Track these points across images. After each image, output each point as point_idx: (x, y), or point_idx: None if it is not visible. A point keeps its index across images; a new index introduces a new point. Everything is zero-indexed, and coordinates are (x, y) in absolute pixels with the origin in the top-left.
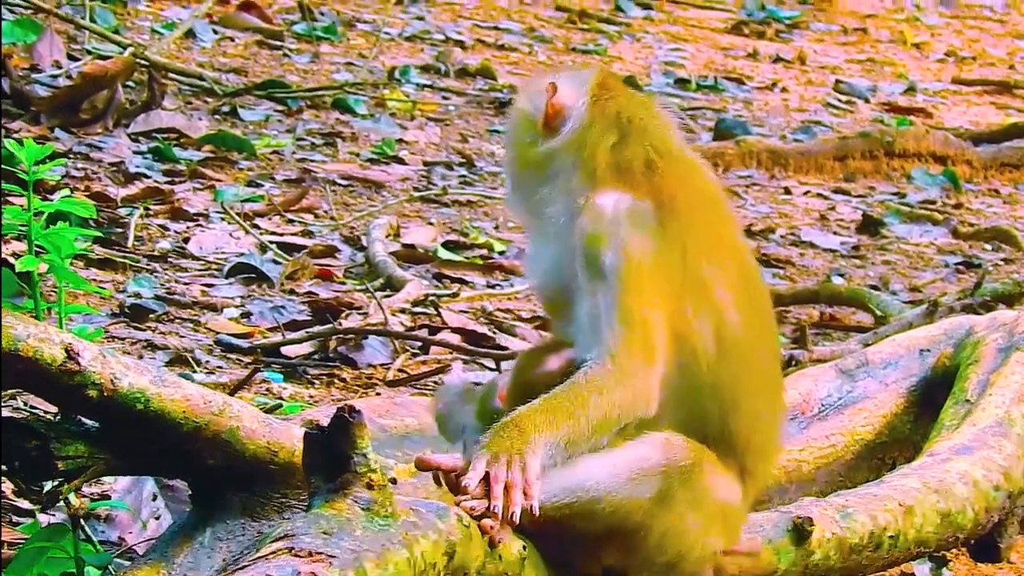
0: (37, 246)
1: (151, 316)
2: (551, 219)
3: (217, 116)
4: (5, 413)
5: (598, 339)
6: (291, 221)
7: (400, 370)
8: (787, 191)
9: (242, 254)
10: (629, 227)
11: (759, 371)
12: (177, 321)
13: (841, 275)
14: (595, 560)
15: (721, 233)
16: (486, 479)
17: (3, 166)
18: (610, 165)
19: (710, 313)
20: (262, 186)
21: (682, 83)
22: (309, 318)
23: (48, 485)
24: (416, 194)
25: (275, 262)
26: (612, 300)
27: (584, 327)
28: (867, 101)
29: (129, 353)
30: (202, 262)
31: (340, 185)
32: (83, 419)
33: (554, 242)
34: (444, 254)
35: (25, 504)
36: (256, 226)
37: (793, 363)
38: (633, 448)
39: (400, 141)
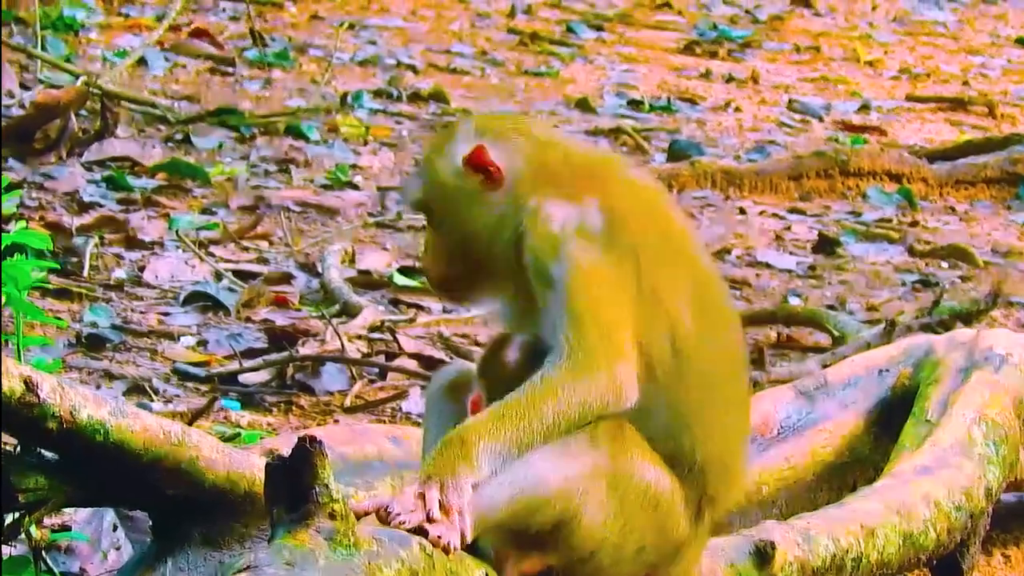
0: None
1: (108, 345)
2: (501, 260)
3: (170, 144)
4: None
5: (555, 342)
6: (246, 248)
7: (358, 396)
8: (742, 211)
9: (197, 282)
10: (574, 236)
11: (719, 386)
12: (134, 350)
13: (798, 295)
14: (539, 558)
15: (671, 242)
16: (422, 498)
17: None
18: (550, 190)
19: (663, 322)
20: (216, 214)
21: (635, 104)
22: (266, 345)
23: (9, 517)
24: (371, 220)
25: (231, 290)
26: (564, 303)
27: (547, 338)
28: (821, 120)
29: (87, 383)
30: (158, 291)
31: (294, 211)
32: (43, 451)
33: (510, 282)
34: (400, 279)
35: None
36: (211, 254)
37: (751, 385)
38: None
39: (354, 166)
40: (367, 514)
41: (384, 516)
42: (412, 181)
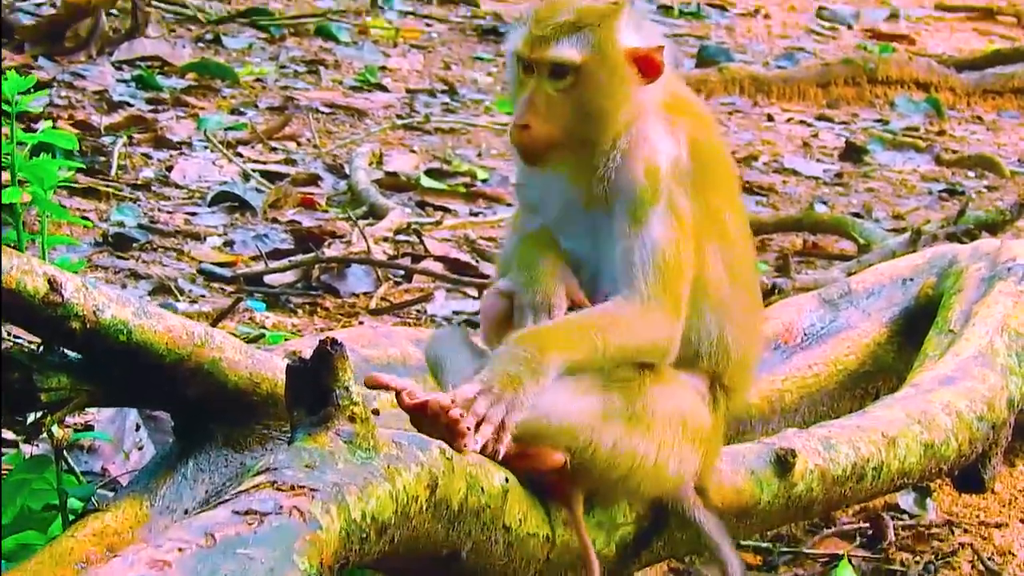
0: (20, 178)
1: (134, 245)
2: (602, 151)
3: (200, 44)
4: None
5: (631, 280)
6: (274, 149)
7: (383, 299)
8: (770, 118)
9: (225, 182)
10: (672, 178)
11: (751, 290)
12: (160, 250)
13: (824, 202)
14: (559, 483)
15: (724, 164)
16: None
17: None
18: (663, 106)
19: (723, 243)
20: (245, 114)
21: (665, 10)
22: (292, 247)
23: (31, 416)
24: (399, 122)
25: (258, 190)
26: (651, 251)
27: (616, 263)
28: (850, 27)
29: (112, 282)
30: (185, 190)
31: (323, 113)
32: (66, 351)
33: (589, 172)
34: (427, 182)
35: (8, 435)
36: (239, 154)
37: (776, 291)
38: None
39: (383, 68)
40: (387, 387)
41: (404, 405)
42: (576, 39)
